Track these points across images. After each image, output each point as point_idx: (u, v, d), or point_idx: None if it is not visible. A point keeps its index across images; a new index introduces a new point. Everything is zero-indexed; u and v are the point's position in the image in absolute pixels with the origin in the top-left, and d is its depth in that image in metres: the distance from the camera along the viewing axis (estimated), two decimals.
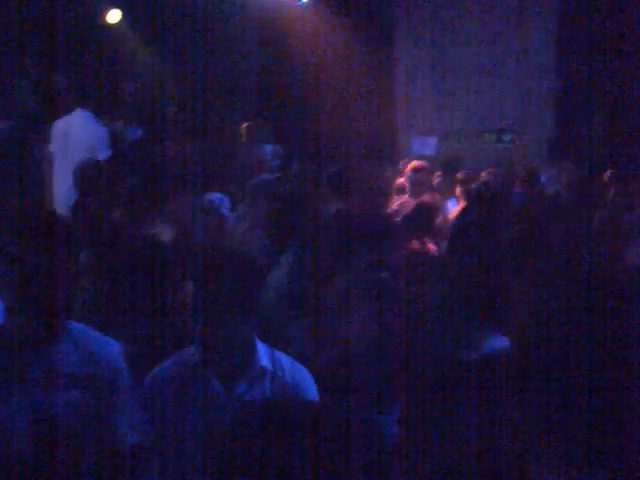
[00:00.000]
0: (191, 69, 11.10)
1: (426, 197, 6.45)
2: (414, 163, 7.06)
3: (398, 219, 5.49)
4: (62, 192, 7.07)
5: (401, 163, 8.65)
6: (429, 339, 2.86)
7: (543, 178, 8.58)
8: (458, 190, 7.18)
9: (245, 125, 10.02)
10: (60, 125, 7.80)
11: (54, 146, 7.73)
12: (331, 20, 11.48)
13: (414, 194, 6.60)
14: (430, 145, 11.78)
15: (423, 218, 5.55)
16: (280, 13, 11.25)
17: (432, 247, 5.30)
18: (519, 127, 12.28)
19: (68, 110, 7.83)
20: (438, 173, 8.25)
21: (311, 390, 2.73)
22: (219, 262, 2.60)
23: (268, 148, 10.14)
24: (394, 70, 12.65)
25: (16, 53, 9.25)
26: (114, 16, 10.47)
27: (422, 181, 6.74)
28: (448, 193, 7.64)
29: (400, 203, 6.51)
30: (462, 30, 12.26)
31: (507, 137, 12.40)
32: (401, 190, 7.00)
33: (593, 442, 1.63)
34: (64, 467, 2.43)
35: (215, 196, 7.19)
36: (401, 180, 7.23)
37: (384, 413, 3.12)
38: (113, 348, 2.62)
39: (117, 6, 10.34)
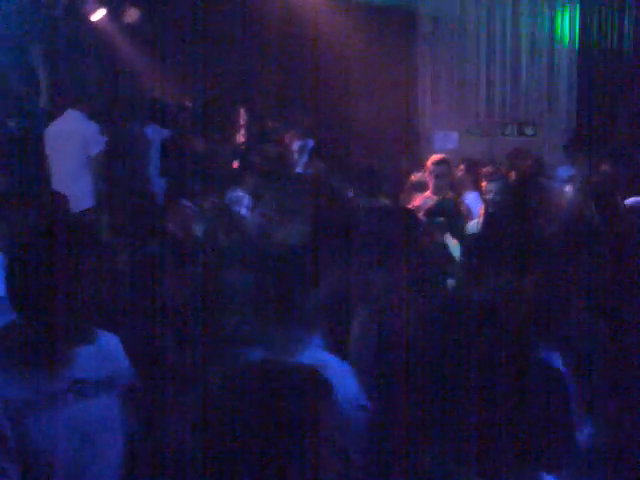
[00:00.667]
0: (214, 65, 11.15)
1: (449, 194, 6.45)
2: (434, 156, 7.02)
3: (421, 215, 5.49)
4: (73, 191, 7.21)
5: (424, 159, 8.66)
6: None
7: (561, 172, 8.53)
8: (484, 184, 7.16)
9: (271, 123, 10.09)
10: (52, 128, 8.02)
11: (49, 149, 7.90)
12: (355, 16, 11.49)
13: (436, 188, 6.55)
14: (452, 139, 11.77)
15: (445, 214, 5.56)
16: (303, 9, 11.27)
17: (454, 243, 5.31)
18: (542, 120, 12.24)
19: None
20: (461, 167, 8.24)
21: (350, 392, 2.58)
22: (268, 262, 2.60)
23: (297, 144, 10.18)
24: (416, 65, 12.63)
25: (24, 52, 9.36)
26: (132, 15, 10.52)
27: (444, 173, 6.64)
28: (470, 187, 7.64)
29: (422, 199, 6.49)
30: (484, 23, 12.24)
31: (529, 130, 12.35)
32: (423, 186, 6.96)
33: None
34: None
35: (235, 194, 7.22)
36: (422, 176, 7.20)
37: None
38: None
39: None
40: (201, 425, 1.84)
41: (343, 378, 2.54)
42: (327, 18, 11.35)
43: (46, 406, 2.37)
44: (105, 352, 2.58)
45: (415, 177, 7.54)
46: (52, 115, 8.42)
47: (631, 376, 3.01)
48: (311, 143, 10.31)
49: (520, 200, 5.47)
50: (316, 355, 2.62)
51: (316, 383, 1.85)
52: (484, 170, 7.82)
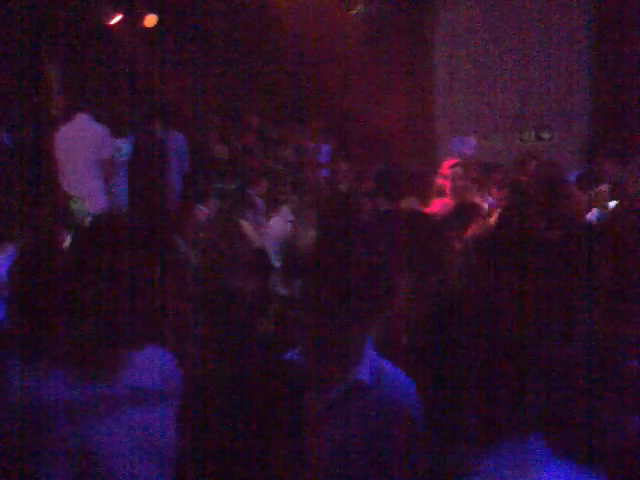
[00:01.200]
0: (229, 69, 11.17)
1: (467, 198, 6.41)
2: (450, 161, 7.05)
3: (439, 219, 5.47)
4: (87, 193, 7.22)
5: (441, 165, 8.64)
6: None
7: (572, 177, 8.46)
8: (494, 191, 7.14)
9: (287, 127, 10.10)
10: (62, 132, 8.10)
11: (59, 152, 7.94)
12: (376, 24, 11.50)
13: (454, 192, 6.54)
14: (469, 145, 11.71)
15: (463, 219, 5.53)
16: (325, 20, 11.28)
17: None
18: (558, 124, 12.18)
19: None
20: (477, 172, 8.21)
21: (412, 406, 2.45)
22: (338, 259, 2.53)
23: (324, 147, 10.21)
24: (434, 71, 12.62)
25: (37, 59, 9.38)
26: (151, 21, 10.54)
27: (460, 176, 6.64)
28: (486, 192, 7.62)
29: (441, 205, 6.46)
30: (500, 30, 12.20)
31: (546, 135, 12.30)
32: (441, 192, 6.95)
33: None
34: None
35: (250, 199, 7.25)
36: (440, 181, 7.18)
37: None
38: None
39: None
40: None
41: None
42: (344, 23, 11.36)
43: (105, 411, 2.36)
44: (158, 363, 2.54)
45: (438, 183, 7.55)
46: (63, 119, 8.49)
47: None
48: (326, 147, 10.31)
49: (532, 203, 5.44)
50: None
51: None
52: (493, 176, 7.81)
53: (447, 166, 7.05)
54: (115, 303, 2.34)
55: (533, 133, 12.35)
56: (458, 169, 6.70)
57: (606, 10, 11.82)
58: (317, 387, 2.33)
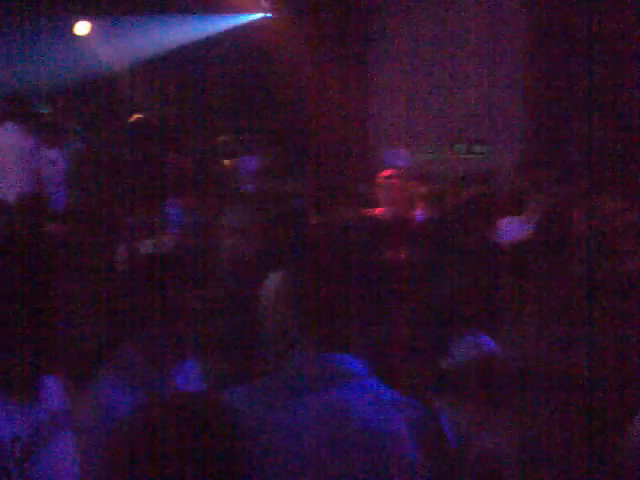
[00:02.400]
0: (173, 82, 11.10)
1: (400, 208, 6.45)
2: (385, 172, 7.10)
3: (371, 230, 5.47)
4: None
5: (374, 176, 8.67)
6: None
7: None
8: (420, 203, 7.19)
9: (221, 139, 10.03)
10: None
11: None
12: (307, 34, 11.51)
13: (387, 203, 6.59)
14: (402, 157, 11.80)
15: (396, 229, 5.57)
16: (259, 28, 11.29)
17: (405, 257, 5.29)
18: (491, 138, 12.33)
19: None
20: (411, 184, 8.25)
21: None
22: None
23: (244, 161, 10.12)
24: (368, 84, 12.69)
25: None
26: (82, 28, 10.40)
27: (394, 188, 6.70)
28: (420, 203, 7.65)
29: (374, 214, 6.49)
30: (433, 42, 12.33)
31: (479, 148, 12.44)
32: (374, 202, 6.99)
33: None
34: None
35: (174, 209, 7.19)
36: (374, 192, 7.23)
37: None
38: None
39: None
40: None
41: None
42: (276, 33, 11.37)
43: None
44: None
45: (372, 194, 7.60)
46: None
47: None
48: (254, 160, 10.25)
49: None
50: None
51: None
52: (420, 190, 7.85)
53: (382, 177, 7.09)
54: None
55: (465, 146, 12.48)
56: (394, 180, 6.76)
57: (540, 23, 12.04)
58: None
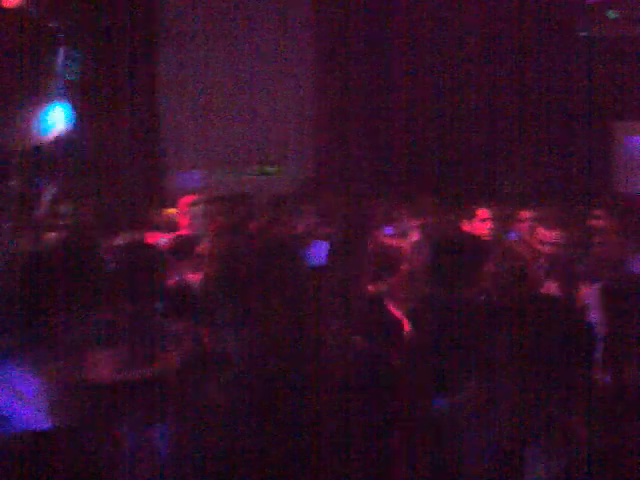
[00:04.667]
0: None
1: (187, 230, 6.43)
2: (187, 198, 7.08)
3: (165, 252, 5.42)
4: None
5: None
6: None
7: None
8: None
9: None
10: None
11: None
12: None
13: (193, 227, 6.58)
14: (194, 179, 11.75)
15: (183, 249, 5.57)
16: None
17: (194, 277, 5.29)
18: (282, 158, 12.50)
19: None
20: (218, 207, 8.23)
21: None
22: None
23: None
24: (157, 106, 12.51)
25: None
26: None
27: (199, 214, 6.69)
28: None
29: (175, 237, 6.40)
30: (224, 63, 12.36)
31: (270, 169, 12.58)
32: (174, 225, 6.94)
33: None
34: None
35: None
36: (174, 214, 7.20)
37: None
38: None
39: None
40: None
41: None
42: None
43: None
44: None
45: (162, 216, 7.52)
46: None
47: None
48: (52, 188, 9.86)
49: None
50: None
51: None
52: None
53: (184, 203, 7.05)
54: None
55: (257, 167, 12.57)
56: (201, 207, 6.76)
57: (329, 43, 12.39)
58: None
